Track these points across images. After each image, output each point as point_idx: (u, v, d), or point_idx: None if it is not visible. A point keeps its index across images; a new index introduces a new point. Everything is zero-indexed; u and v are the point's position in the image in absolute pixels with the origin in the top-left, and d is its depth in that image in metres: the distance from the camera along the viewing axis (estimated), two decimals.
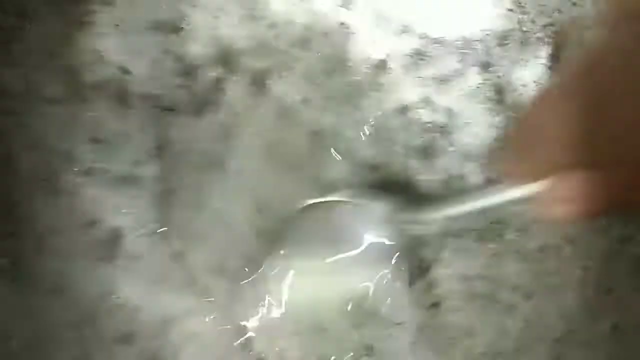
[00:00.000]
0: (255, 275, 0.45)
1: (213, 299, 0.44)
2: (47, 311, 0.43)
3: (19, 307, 0.43)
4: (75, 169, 0.44)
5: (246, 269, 0.45)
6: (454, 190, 0.46)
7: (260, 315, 0.44)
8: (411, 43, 0.46)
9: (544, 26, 0.46)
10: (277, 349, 0.44)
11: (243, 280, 0.45)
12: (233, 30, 0.46)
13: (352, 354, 0.44)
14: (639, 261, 0.44)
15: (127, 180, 0.44)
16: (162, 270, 0.44)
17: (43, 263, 0.43)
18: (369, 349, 0.44)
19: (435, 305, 0.44)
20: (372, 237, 0.45)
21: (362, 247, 0.45)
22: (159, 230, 0.45)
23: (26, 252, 0.43)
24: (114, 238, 0.44)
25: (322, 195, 0.45)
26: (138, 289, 0.44)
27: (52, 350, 0.43)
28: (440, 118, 0.46)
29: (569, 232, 0.45)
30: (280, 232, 0.45)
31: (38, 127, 0.44)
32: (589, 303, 0.44)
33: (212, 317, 0.44)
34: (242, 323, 0.44)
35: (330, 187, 0.45)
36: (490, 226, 0.45)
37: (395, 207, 0.44)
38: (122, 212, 0.44)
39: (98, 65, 0.45)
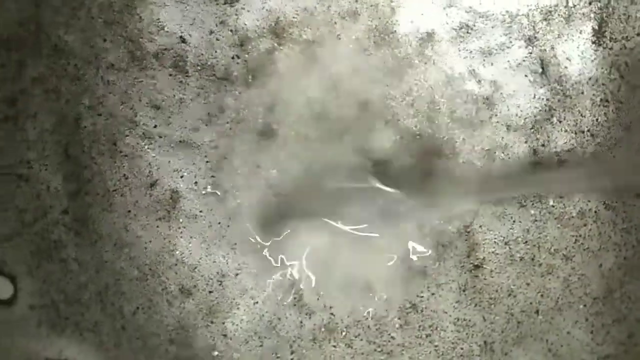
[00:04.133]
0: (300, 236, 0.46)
1: (266, 257, 0.45)
2: (114, 264, 0.44)
3: (89, 260, 0.44)
4: (137, 133, 0.45)
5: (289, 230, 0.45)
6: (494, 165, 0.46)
7: (309, 272, 0.44)
8: (458, 16, 0.46)
9: (589, 2, 0.46)
10: (326, 305, 0.45)
11: (292, 239, 0.45)
12: (284, 3, 0.46)
13: (398, 309, 0.45)
14: None
15: (184, 145, 0.45)
16: (217, 230, 0.45)
17: (109, 220, 0.44)
18: (414, 307, 0.45)
19: (477, 267, 0.45)
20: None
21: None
22: (214, 192, 0.45)
23: (93, 210, 0.44)
24: (173, 198, 0.45)
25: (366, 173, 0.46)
26: (195, 247, 0.44)
27: (121, 299, 0.44)
28: (485, 90, 0.46)
29: (607, 197, 0.45)
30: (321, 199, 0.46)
31: (102, 92, 0.45)
32: (627, 264, 0.44)
33: (265, 274, 0.44)
34: (292, 278, 0.45)
35: (376, 157, 0.45)
36: (531, 193, 0.45)
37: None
38: (180, 174, 0.45)
39: (158, 34, 0.46)
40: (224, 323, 0.44)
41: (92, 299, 0.43)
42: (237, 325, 0.44)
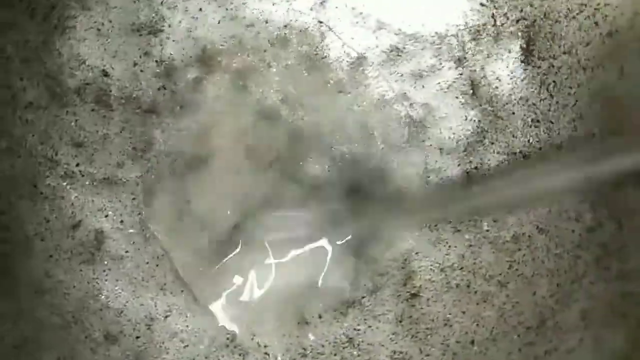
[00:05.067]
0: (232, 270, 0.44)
1: (196, 297, 0.43)
2: (33, 313, 0.42)
3: (7, 309, 0.42)
4: (58, 173, 0.43)
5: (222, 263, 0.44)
6: (430, 185, 0.45)
7: (241, 309, 0.43)
8: (387, 39, 0.45)
9: (517, 20, 0.45)
10: (260, 344, 0.43)
11: (224, 277, 0.44)
12: (212, 30, 0.45)
13: (333, 345, 0.43)
14: (606, 249, 0.43)
15: (109, 183, 0.43)
16: (145, 270, 0.43)
17: (29, 266, 0.42)
18: (351, 340, 0.43)
19: (414, 296, 0.43)
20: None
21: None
22: (141, 230, 0.43)
23: (11, 258, 0.42)
24: (97, 240, 0.43)
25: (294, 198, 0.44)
26: (122, 289, 0.43)
27: (40, 350, 0.42)
28: (417, 113, 0.45)
29: (540, 221, 0.44)
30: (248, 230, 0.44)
31: (20, 133, 0.43)
32: (560, 291, 0.43)
33: (195, 315, 0.43)
34: (223, 321, 0.43)
35: (309, 185, 0.44)
36: (466, 217, 0.44)
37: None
38: (105, 214, 0.43)
39: (78, 69, 0.44)
40: None
41: (8, 353, 0.41)
42: None
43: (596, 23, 0.43)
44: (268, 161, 0.45)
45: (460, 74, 0.45)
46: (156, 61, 0.45)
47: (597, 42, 0.43)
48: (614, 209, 0.44)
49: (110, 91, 0.44)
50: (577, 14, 0.44)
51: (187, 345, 0.43)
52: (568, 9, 0.44)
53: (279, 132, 0.45)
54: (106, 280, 0.43)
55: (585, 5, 0.43)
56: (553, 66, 0.44)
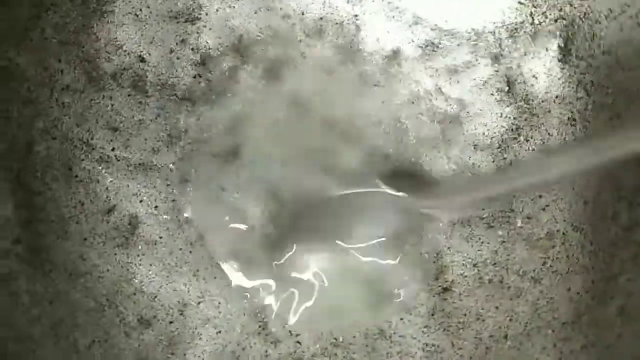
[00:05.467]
0: (273, 261, 0.44)
1: (229, 283, 0.43)
2: (68, 295, 0.42)
3: (42, 292, 0.42)
4: (93, 157, 0.43)
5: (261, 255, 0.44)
6: (463, 178, 0.45)
7: (277, 300, 0.43)
8: (423, 34, 0.45)
9: (555, 19, 0.45)
10: (292, 332, 0.43)
11: (259, 266, 0.43)
12: (248, 20, 0.45)
13: (364, 336, 0.43)
14: None
15: (143, 168, 0.43)
16: (178, 256, 0.43)
17: (64, 249, 0.42)
18: (382, 333, 0.43)
19: (446, 290, 0.43)
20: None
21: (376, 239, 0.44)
22: (175, 216, 0.43)
23: (47, 239, 0.42)
24: (132, 224, 0.43)
25: (337, 186, 0.44)
26: (155, 274, 0.43)
27: (75, 332, 0.42)
28: (451, 108, 0.45)
29: (575, 219, 0.44)
30: (293, 220, 0.44)
31: (57, 115, 0.43)
32: (595, 288, 0.43)
33: (228, 302, 0.43)
34: (258, 308, 0.43)
35: (343, 176, 0.44)
36: (499, 214, 0.44)
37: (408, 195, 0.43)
38: (139, 199, 0.43)
39: (115, 54, 0.44)
40: (185, 354, 0.42)
41: (44, 333, 0.41)
42: (199, 356, 0.42)
43: (638, 24, 0.43)
44: (302, 152, 0.45)
45: (496, 71, 0.45)
46: (192, 49, 0.45)
47: (637, 43, 0.43)
48: None
49: (147, 77, 0.44)
50: (619, 14, 0.44)
51: (220, 332, 0.43)
52: (609, 9, 0.44)
53: (312, 123, 0.45)
54: (140, 264, 0.43)
55: (629, 5, 0.43)
56: (591, 66, 0.44)
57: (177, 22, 0.44)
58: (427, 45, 0.45)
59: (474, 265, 0.44)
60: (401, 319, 0.43)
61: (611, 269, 0.43)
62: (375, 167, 0.45)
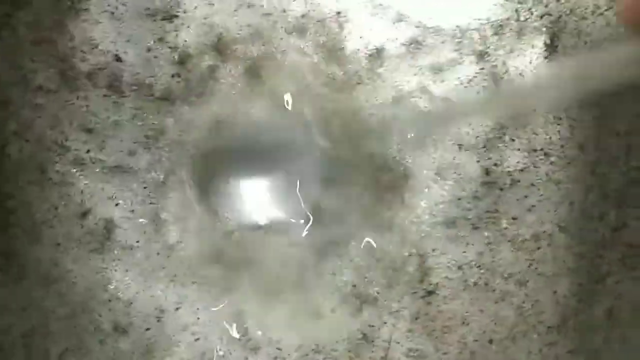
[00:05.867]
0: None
1: (207, 289, 0.42)
2: (41, 302, 0.41)
3: (15, 298, 0.41)
4: (68, 159, 0.42)
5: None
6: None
7: (254, 305, 0.42)
8: (407, 31, 0.44)
9: (541, 16, 0.44)
10: (272, 338, 0.42)
11: (236, 270, 0.42)
12: (228, 18, 0.43)
13: (347, 341, 0.42)
14: (632, 249, 0.42)
15: (119, 171, 0.42)
16: (155, 261, 0.42)
17: (37, 254, 0.41)
18: (365, 337, 0.42)
19: (430, 293, 0.42)
20: None
21: None
22: (152, 220, 0.42)
23: (19, 243, 0.41)
24: (107, 229, 0.42)
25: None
26: (131, 280, 0.41)
27: (48, 340, 0.41)
28: (436, 107, 0.44)
29: (561, 220, 0.43)
30: None
31: (30, 116, 0.42)
32: (582, 290, 0.42)
33: (206, 307, 0.41)
34: (237, 312, 0.42)
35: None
36: (485, 215, 0.43)
37: None
38: (115, 202, 0.42)
39: (91, 53, 0.43)
40: None
41: (15, 342, 0.40)
42: None
43: None
44: (282, 152, 0.44)
45: (482, 69, 0.44)
46: (170, 47, 0.43)
47: (624, 39, 0.42)
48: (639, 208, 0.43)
49: (123, 77, 0.43)
50: (605, 10, 0.43)
51: (198, 339, 0.42)
52: (595, 5, 0.43)
53: (296, 122, 0.44)
54: (116, 270, 0.42)
55: (614, 1, 0.42)
56: None
57: (155, 20, 0.43)
58: (411, 43, 0.44)
59: (459, 268, 0.43)
60: (385, 322, 0.42)
61: (598, 270, 0.43)
62: (358, 167, 0.44)
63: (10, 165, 0.41)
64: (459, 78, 0.44)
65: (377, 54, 0.44)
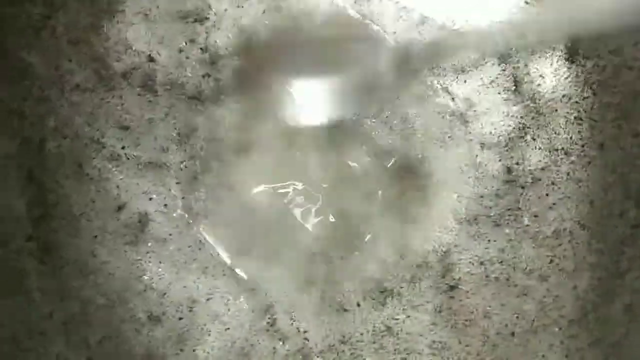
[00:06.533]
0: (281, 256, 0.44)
1: (238, 281, 0.43)
2: (79, 292, 0.42)
3: (54, 288, 0.42)
4: (104, 155, 0.43)
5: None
6: None
7: (284, 295, 0.43)
8: (430, 34, 0.45)
9: None
10: (300, 329, 0.43)
11: (267, 262, 0.44)
12: (256, 20, 0.45)
13: (372, 333, 0.43)
14: None
15: (153, 166, 0.43)
16: (187, 254, 0.43)
17: (75, 246, 0.42)
18: (389, 329, 0.43)
19: (453, 288, 0.43)
20: None
21: None
22: (184, 214, 0.43)
23: (58, 236, 0.42)
24: (141, 222, 0.43)
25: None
26: (165, 272, 0.43)
27: (86, 328, 0.42)
28: (459, 107, 0.45)
29: (582, 217, 0.44)
30: None
31: (68, 113, 0.43)
32: (602, 285, 0.43)
33: (237, 298, 0.43)
34: (266, 304, 0.43)
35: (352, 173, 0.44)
36: (506, 212, 0.44)
37: None
38: (149, 197, 0.43)
39: (125, 53, 0.44)
40: (194, 350, 0.42)
41: (56, 330, 0.41)
42: (208, 352, 0.42)
43: None
44: (311, 150, 0.45)
45: (503, 70, 0.45)
46: (201, 49, 0.45)
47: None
48: None
49: (156, 76, 0.44)
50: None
51: (228, 328, 0.43)
52: None
53: (322, 121, 0.45)
54: (150, 262, 0.43)
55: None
56: (598, 65, 0.44)
57: (186, 22, 0.44)
58: (434, 45, 0.45)
59: (481, 264, 0.44)
60: (408, 316, 0.43)
61: (618, 266, 0.43)
62: (382, 166, 0.45)
63: (50, 160, 0.42)
64: (481, 79, 0.45)
65: (402, 55, 0.45)
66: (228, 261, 0.43)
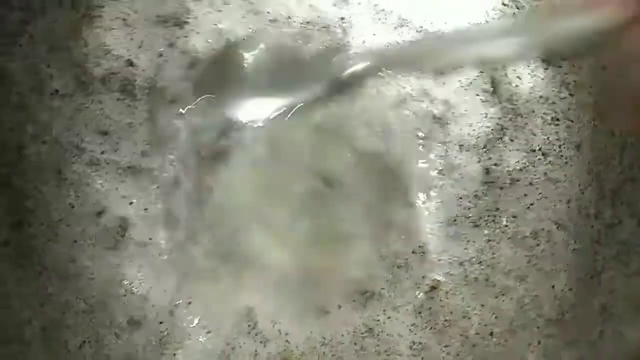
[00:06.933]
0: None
1: (218, 284, 0.43)
2: (59, 297, 0.42)
3: (32, 294, 0.42)
4: (83, 160, 0.43)
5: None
6: None
7: (264, 298, 0.43)
8: (409, 36, 0.45)
9: None
10: (281, 331, 0.43)
11: (247, 265, 0.44)
12: (235, 24, 0.45)
13: (353, 335, 0.43)
14: (626, 245, 0.43)
15: (133, 171, 0.43)
16: (168, 258, 0.43)
17: (54, 251, 0.42)
18: (370, 331, 0.43)
19: (432, 289, 0.44)
20: None
21: None
22: (165, 218, 0.44)
23: (37, 241, 0.42)
24: (122, 227, 0.43)
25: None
26: (145, 276, 0.43)
27: (65, 334, 0.42)
28: (437, 110, 0.45)
29: (559, 217, 0.44)
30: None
31: (46, 119, 0.43)
32: (579, 285, 0.43)
33: (217, 302, 0.43)
34: (247, 307, 0.43)
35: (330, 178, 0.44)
36: (485, 213, 0.44)
37: None
38: (129, 201, 0.43)
39: (104, 58, 0.44)
40: (175, 355, 0.42)
41: (34, 335, 0.41)
42: (189, 356, 0.42)
43: None
44: (291, 155, 0.45)
45: (481, 72, 0.45)
46: (181, 52, 0.45)
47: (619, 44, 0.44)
48: (634, 206, 0.44)
49: (135, 81, 0.45)
50: None
51: (210, 332, 0.43)
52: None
53: (302, 126, 0.45)
54: (130, 266, 0.43)
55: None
56: (574, 66, 0.44)
57: (166, 26, 0.44)
58: (412, 47, 0.45)
59: (460, 264, 0.44)
60: (389, 317, 0.44)
61: (594, 266, 0.44)
62: (362, 168, 0.45)
63: (29, 166, 0.42)
64: (459, 81, 0.46)
65: (380, 59, 0.46)
66: (208, 265, 0.43)
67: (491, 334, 0.44)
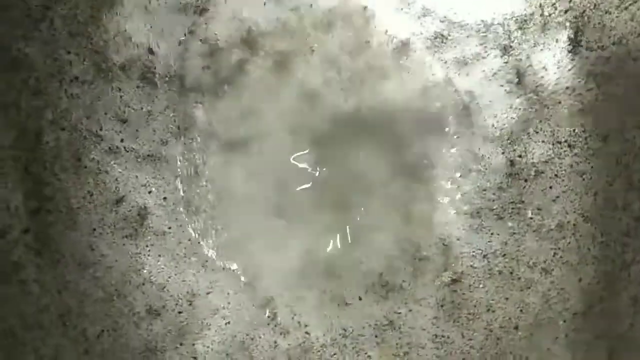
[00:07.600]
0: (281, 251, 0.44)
1: (238, 274, 0.43)
2: (77, 285, 0.42)
3: (51, 281, 0.41)
4: (102, 148, 0.42)
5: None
6: None
7: (284, 289, 0.42)
8: (432, 26, 0.45)
9: (565, 11, 0.44)
10: (301, 323, 0.42)
11: (266, 256, 0.43)
12: (257, 12, 0.44)
13: (374, 327, 0.43)
14: None
15: (152, 159, 0.43)
16: (187, 247, 0.42)
17: (72, 239, 0.42)
18: (391, 323, 0.43)
19: (455, 282, 0.43)
20: None
21: None
22: (184, 207, 0.43)
23: (56, 229, 0.42)
24: (140, 215, 0.42)
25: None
26: (164, 265, 0.42)
27: (84, 322, 0.41)
28: (461, 100, 0.44)
29: (585, 210, 0.43)
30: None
31: (66, 106, 0.43)
32: (607, 278, 0.43)
33: (237, 292, 0.42)
34: (267, 298, 0.43)
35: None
36: (509, 205, 0.43)
37: None
38: (148, 190, 0.43)
39: (124, 45, 0.43)
40: (194, 345, 0.41)
41: (53, 322, 0.41)
42: (207, 347, 0.41)
43: None
44: (312, 143, 0.44)
45: (506, 63, 0.45)
46: (201, 41, 0.44)
47: None
48: None
49: (155, 69, 0.44)
50: (630, 4, 0.43)
51: (229, 322, 0.42)
52: None
53: (321, 115, 0.45)
54: (149, 255, 0.42)
55: None
56: (601, 57, 0.44)
57: (186, 14, 0.44)
58: (436, 37, 0.45)
59: (484, 257, 0.43)
60: (410, 310, 0.43)
61: (623, 258, 0.43)
62: (385, 159, 0.45)
63: (47, 153, 0.42)
64: (483, 71, 0.45)
65: (403, 48, 0.45)
66: (226, 254, 0.42)
67: (516, 327, 0.43)
